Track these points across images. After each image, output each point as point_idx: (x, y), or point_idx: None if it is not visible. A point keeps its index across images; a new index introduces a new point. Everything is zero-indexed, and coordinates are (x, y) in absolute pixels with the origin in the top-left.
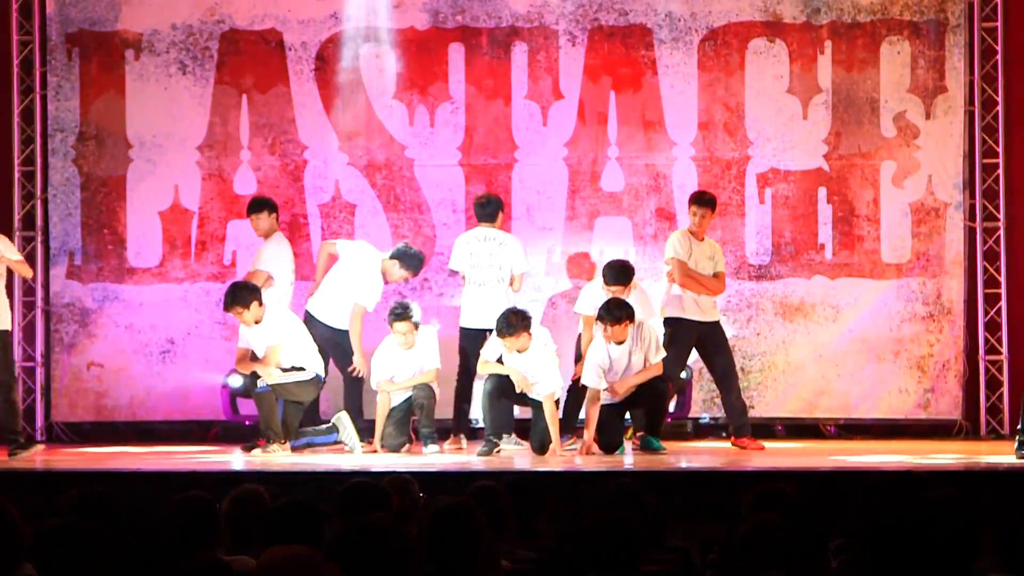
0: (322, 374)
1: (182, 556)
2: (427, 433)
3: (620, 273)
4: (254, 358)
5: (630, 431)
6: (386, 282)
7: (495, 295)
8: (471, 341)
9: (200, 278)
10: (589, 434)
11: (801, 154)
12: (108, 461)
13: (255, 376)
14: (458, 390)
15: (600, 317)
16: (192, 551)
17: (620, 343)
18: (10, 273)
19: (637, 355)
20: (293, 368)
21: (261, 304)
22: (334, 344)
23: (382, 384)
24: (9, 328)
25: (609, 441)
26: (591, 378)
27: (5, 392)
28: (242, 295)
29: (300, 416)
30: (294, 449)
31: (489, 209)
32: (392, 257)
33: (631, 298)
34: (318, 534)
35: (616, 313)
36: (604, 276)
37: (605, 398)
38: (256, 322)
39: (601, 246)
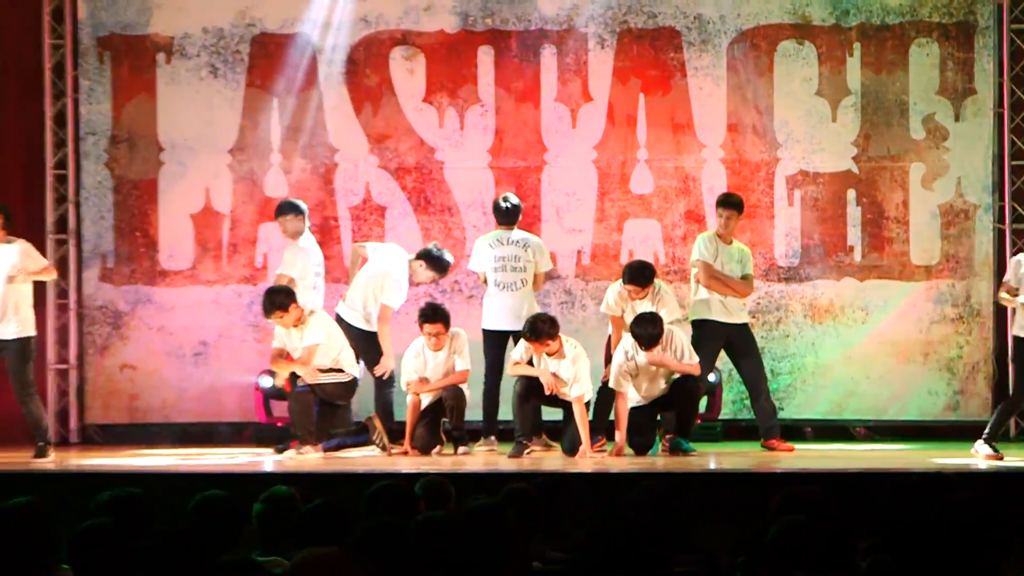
0: (359, 377)
1: (214, 557)
2: (458, 435)
3: (637, 273)
4: (288, 357)
5: (661, 430)
6: (413, 284)
7: (518, 297)
8: (495, 343)
9: (232, 280)
10: (621, 435)
11: (830, 156)
12: (141, 463)
13: (296, 376)
14: (486, 392)
15: (634, 334)
16: (216, 549)
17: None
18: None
19: (663, 365)
20: (331, 370)
21: (298, 306)
22: (364, 345)
23: (413, 386)
24: (34, 334)
25: (641, 442)
26: (617, 380)
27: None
28: (279, 299)
29: (334, 418)
30: (326, 451)
31: (511, 211)
32: (418, 258)
33: (652, 300)
34: (348, 535)
35: (652, 332)
36: (623, 275)
37: (634, 400)
38: (295, 324)
39: (630, 248)
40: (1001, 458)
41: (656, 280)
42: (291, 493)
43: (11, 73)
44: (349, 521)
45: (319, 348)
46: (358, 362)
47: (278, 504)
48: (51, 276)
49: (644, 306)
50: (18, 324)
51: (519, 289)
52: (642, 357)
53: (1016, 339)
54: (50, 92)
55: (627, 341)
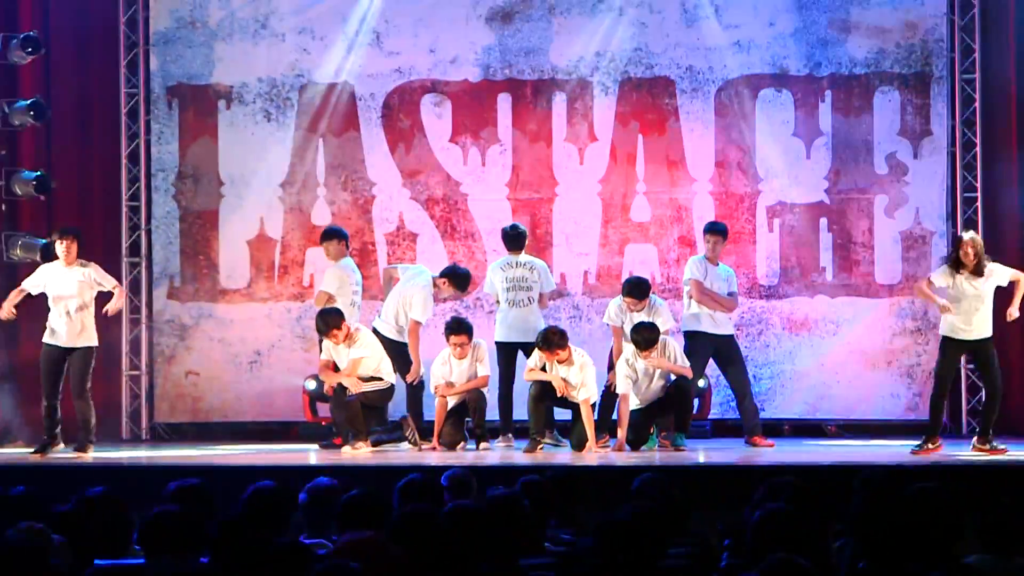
0: (395, 383)
1: (267, 539)
2: (480, 432)
3: (635, 288)
4: (333, 367)
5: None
6: (438, 300)
7: (525, 313)
8: (506, 353)
9: (282, 298)
10: (623, 433)
11: (805, 189)
12: (203, 457)
13: (343, 387)
14: (501, 395)
15: (633, 340)
16: (268, 532)
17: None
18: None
19: (660, 370)
20: (372, 378)
21: (347, 324)
22: (396, 355)
23: (440, 389)
24: (96, 344)
25: (637, 438)
26: (622, 384)
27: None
28: (332, 320)
29: (374, 419)
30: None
31: (518, 238)
32: (442, 276)
33: (648, 312)
34: (383, 521)
35: (648, 337)
36: (623, 289)
37: (633, 403)
38: (345, 339)
39: (631, 269)
40: (1003, 451)
41: (651, 294)
42: (332, 484)
43: (92, 118)
44: (383, 509)
45: (363, 361)
46: (395, 371)
47: (321, 493)
48: (120, 299)
49: (641, 317)
50: (85, 335)
51: (527, 306)
52: (642, 364)
53: (943, 338)
54: (125, 134)
55: (628, 350)
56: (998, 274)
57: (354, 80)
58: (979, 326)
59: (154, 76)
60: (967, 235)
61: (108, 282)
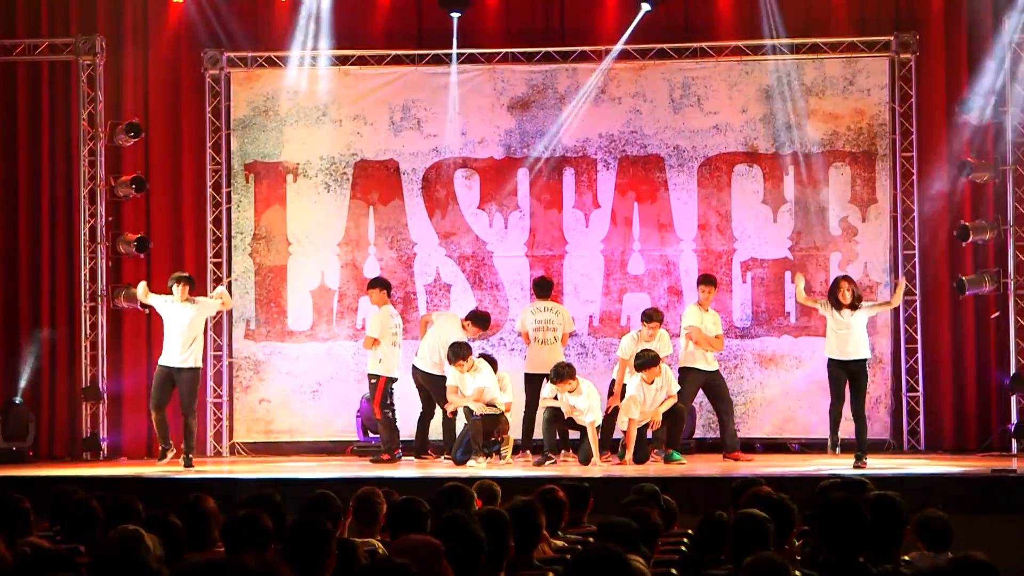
0: (502, 411)
1: (325, 537)
2: (503, 450)
3: (654, 314)
4: (456, 392)
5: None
6: (468, 338)
7: (550, 350)
8: (533, 384)
9: (339, 338)
10: (629, 452)
11: (772, 247)
12: (274, 470)
13: (469, 409)
14: (525, 418)
15: (639, 357)
16: (324, 532)
17: (652, 383)
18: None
19: (662, 391)
20: (489, 404)
21: (471, 356)
22: (434, 387)
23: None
24: (202, 367)
25: (641, 456)
26: (633, 411)
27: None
28: (461, 352)
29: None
30: (458, 462)
31: (545, 288)
32: (466, 319)
33: (659, 337)
34: (422, 523)
35: (651, 357)
36: (642, 316)
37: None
38: (469, 369)
39: (628, 314)
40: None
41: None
42: (378, 492)
43: (183, 190)
44: (422, 512)
45: (484, 389)
46: (428, 398)
47: (369, 500)
48: (229, 304)
49: (652, 345)
50: (194, 359)
51: (552, 344)
52: (650, 391)
53: (830, 360)
54: (210, 203)
55: (634, 384)
56: (867, 309)
57: (399, 158)
58: (856, 350)
59: (234, 155)
60: (843, 277)
61: (213, 307)
